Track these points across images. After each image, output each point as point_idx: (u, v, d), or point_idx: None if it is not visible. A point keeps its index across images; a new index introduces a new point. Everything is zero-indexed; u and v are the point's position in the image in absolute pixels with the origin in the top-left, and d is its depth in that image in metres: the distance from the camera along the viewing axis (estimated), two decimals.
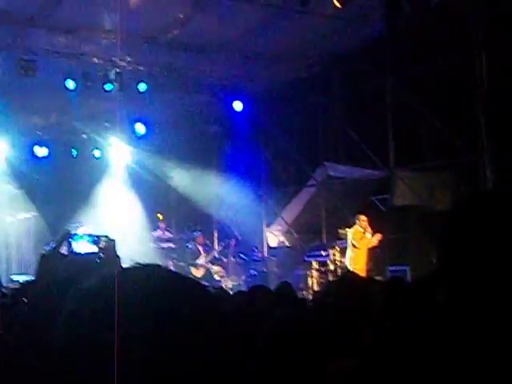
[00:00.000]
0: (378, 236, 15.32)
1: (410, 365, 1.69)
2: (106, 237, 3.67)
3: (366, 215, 15.58)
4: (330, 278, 15.87)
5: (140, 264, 1.23)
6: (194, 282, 1.24)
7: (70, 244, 3.61)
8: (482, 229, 1.24)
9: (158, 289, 1.14)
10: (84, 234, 3.84)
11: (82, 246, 3.64)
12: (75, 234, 3.82)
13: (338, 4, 13.65)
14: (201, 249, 18.13)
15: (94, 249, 3.62)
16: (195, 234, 18.50)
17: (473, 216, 1.27)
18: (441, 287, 1.29)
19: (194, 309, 1.14)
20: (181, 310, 1.12)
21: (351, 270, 14.54)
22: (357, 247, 15.32)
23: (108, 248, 3.54)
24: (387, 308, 2.89)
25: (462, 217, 1.30)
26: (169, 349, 1.08)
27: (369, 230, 15.38)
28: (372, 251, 15.52)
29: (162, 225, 19.86)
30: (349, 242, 15.56)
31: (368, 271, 14.95)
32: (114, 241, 3.58)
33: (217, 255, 18.81)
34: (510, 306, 1.16)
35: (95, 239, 3.72)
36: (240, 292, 7.34)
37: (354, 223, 15.63)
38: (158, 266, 1.24)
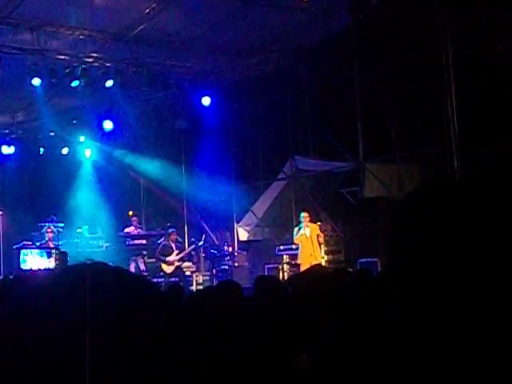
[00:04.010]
0: (314, 228, 15.62)
1: (364, 360, 1.68)
2: (57, 249, 3.65)
3: (306, 211, 15.80)
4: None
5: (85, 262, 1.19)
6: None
7: (19, 259, 3.59)
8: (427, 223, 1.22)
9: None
10: (35, 248, 3.81)
11: (33, 261, 3.61)
12: (26, 248, 3.79)
13: None
14: (173, 245, 18.05)
15: (45, 263, 3.60)
16: (170, 230, 18.43)
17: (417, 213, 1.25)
18: (390, 285, 1.27)
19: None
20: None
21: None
22: (300, 244, 15.72)
23: (59, 261, 3.52)
24: (350, 298, 2.89)
25: (407, 213, 1.28)
26: None
27: (308, 224, 15.63)
28: (320, 243, 15.90)
29: (134, 221, 19.71)
30: (295, 239, 15.94)
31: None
32: (66, 253, 3.56)
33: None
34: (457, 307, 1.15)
35: (46, 253, 3.70)
36: (208, 287, 7.35)
37: (300, 222, 15.85)
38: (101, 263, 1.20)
